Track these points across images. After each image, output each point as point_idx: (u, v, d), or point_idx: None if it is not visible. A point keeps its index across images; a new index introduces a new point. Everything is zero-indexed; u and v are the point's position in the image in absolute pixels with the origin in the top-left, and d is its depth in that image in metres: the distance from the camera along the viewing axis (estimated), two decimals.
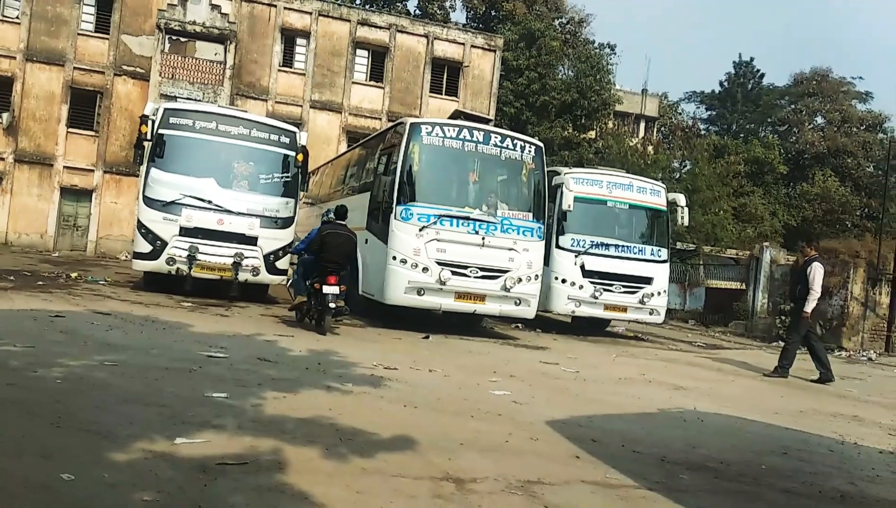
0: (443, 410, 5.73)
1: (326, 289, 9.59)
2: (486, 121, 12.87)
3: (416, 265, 10.67)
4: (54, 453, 3.69)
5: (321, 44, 27.44)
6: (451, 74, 28.96)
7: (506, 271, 11.05)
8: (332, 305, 9.59)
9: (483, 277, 10.94)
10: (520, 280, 11.12)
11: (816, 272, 10.02)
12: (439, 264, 10.71)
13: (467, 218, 10.93)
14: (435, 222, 10.72)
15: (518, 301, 11.23)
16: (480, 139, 11.27)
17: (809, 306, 10.02)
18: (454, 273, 10.75)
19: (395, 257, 10.69)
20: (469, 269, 10.85)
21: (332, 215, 10.41)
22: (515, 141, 11.65)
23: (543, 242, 11.72)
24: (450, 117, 12.59)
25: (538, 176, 11.67)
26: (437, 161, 11.22)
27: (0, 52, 24.41)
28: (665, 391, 8.02)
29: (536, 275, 11.43)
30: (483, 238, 10.92)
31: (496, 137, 11.46)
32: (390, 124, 13.24)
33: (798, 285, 10.31)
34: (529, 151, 11.62)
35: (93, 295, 11.43)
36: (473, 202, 11.15)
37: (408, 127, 11.08)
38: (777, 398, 8.51)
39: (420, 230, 10.68)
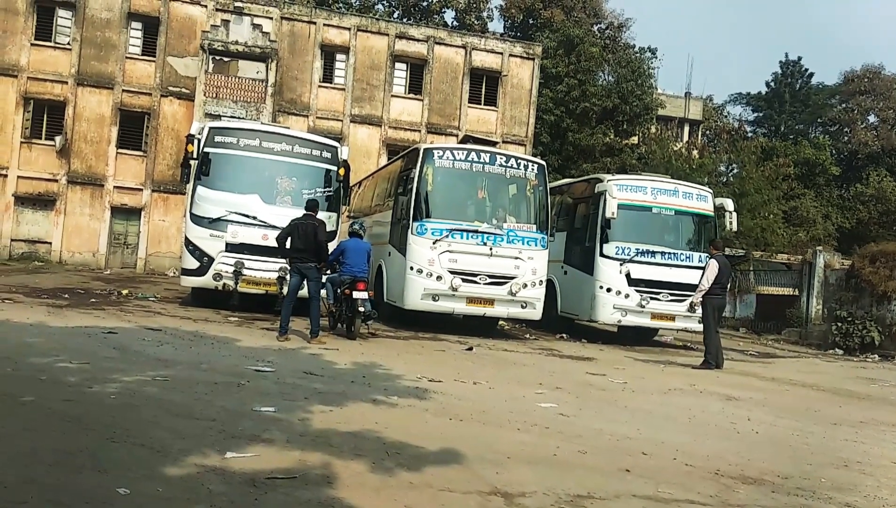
0: (489, 422, 5.69)
1: (356, 295, 10.17)
2: (493, 144, 14.11)
3: (431, 274, 11.73)
4: (110, 467, 3.77)
5: (360, 58, 27.75)
6: (489, 84, 28.95)
7: (512, 278, 12.04)
8: (361, 309, 10.15)
9: (491, 283, 11.96)
10: (525, 286, 12.11)
11: (710, 268, 10.97)
12: (451, 272, 11.76)
13: (476, 231, 11.97)
14: (447, 236, 11.80)
15: (524, 304, 12.20)
16: (487, 160, 12.34)
17: (696, 296, 11.08)
18: (465, 281, 11.80)
19: (412, 268, 11.76)
20: (478, 276, 11.89)
21: (356, 227, 10.95)
22: (519, 160, 12.77)
23: (547, 250, 12.60)
24: (460, 142, 13.69)
25: (541, 191, 12.63)
26: (448, 181, 12.28)
27: (53, 78, 25.32)
28: (717, 402, 7.82)
29: (541, 281, 12.37)
30: (491, 249, 11.95)
31: (501, 158, 12.52)
32: (407, 149, 14.25)
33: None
34: (532, 169, 12.65)
35: (143, 311, 11.73)
36: (482, 217, 12.22)
37: (421, 152, 12.23)
38: (835, 409, 8.23)
39: (434, 243, 11.75)
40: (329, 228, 12.55)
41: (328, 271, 10.41)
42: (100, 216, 25.65)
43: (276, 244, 11.60)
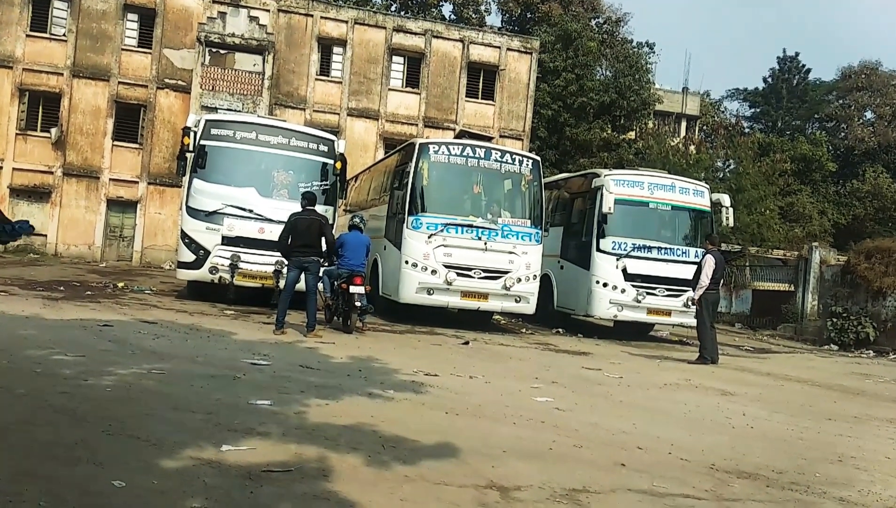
0: (484, 416, 5.70)
1: (353, 289, 10.20)
2: (488, 139, 14.21)
3: (426, 268, 11.83)
4: (106, 460, 3.76)
5: (357, 52, 27.69)
6: (487, 78, 28.92)
7: (506, 272, 12.14)
8: (357, 303, 10.19)
9: (486, 277, 12.05)
10: (519, 280, 12.21)
11: (706, 263, 10.99)
12: (446, 266, 11.85)
13: (471, 226, 12.02)
14: (442, 230, 11.85)
15: (518, 299, 12.33)
16: (482, 155, 12.42)
17: (697, 293, 11.05)
18: (459, 275, 11.89)
19: (407, 262, 11.85)
20: (473, 271, 11.99)
21: (356, 220, 10.98)
22: (514, 156, 12.88)
23: (541, 245, 12.66)
24: (455, 137, 13.76)
25: (535, 187, 12.72)
26: (443, 176, 12.34)
27: (48, 70, 25.21)
28: (712, 397, 7.85)
29: (535, 275, 12.45)
30: (485, 243, 12.03)
31: (496, 153, 12.63)
32: (403, 144, 14.30)
33: (696, 276, 11.31)
34: (527, 165, 12.73)
35: (139, 304, 11.70)
36: (476, 211, 12.25)
37: (417, 147, 12.26)
38: (830, 404, 8.26)
39: (429, 237, 11.81)
40: None
41: (325, 264, 10.41)
42: (95, 209, 25.59)
43: (272, 237, 11.58)
